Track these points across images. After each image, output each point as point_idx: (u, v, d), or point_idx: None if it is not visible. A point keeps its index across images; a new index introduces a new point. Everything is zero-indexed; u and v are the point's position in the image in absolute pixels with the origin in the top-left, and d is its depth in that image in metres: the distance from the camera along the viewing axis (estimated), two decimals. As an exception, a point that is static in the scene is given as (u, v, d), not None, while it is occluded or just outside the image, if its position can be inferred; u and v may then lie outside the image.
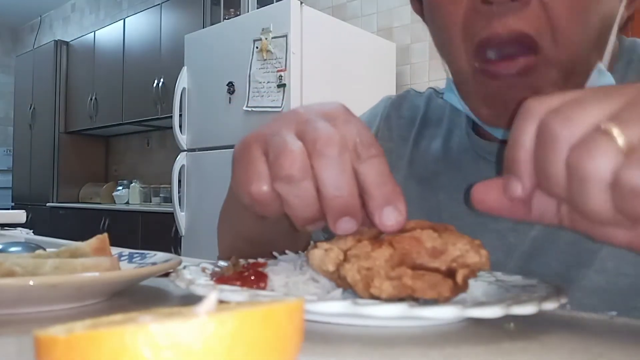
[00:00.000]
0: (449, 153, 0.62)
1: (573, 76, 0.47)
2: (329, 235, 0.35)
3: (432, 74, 2.70)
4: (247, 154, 0.35)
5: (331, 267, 0.32)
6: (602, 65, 0.47)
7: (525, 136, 0.28)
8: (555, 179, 0.27)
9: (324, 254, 0.33)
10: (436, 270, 0.30)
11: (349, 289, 0.34)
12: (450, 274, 0.30)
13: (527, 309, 0.29)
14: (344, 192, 0.32)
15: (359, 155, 0.32)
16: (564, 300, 0.32)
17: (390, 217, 0.32)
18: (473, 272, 0.31)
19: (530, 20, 0.45)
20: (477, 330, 0.31)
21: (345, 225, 0.33)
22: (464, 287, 0.31)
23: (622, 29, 0.53)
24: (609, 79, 0.47)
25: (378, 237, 0.33)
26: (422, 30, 2.70)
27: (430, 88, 0.69)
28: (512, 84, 0.47)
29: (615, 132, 0.24)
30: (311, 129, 0.33)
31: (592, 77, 0.47)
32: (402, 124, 0.67)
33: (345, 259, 0.32)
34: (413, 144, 0.64)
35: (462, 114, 0.62)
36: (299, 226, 0.35)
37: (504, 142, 0.54)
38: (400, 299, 0.31)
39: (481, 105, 0.51)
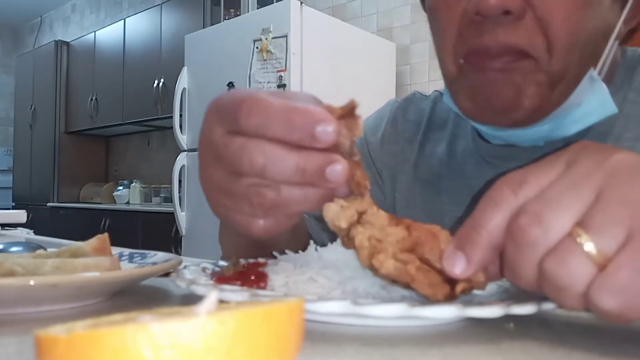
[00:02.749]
0: (453, 157, 0.62)
1: (561, 83, 0.47)
2: (330, 236, 0.35)
3: (432, 73, 2.70)
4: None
5: (344, 224, 0.32)
6: (594, 72, 0.47)
7: (492, 224, 0.28)
8: (526, 279, 0.27)
9: (340, 210, 0.33)
10: (439, 272, 0.30)
11: (350, 287, 0.34)
12: (450, 280, 0.30)
13: (526, 309, 0.29)
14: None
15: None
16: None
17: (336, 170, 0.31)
18: (471, 288, 0.31)
19: (523, 34, 0.45)
20: (477, 330, 0.31)
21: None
22: (456, 298, 0.31)
23: (625, 42, 0.53)
24: (599, 86, 0.47)
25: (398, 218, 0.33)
26: (422, 31, 2.70)
27: (436, 91, 0.70)
28: (496, 79, 0.47)
29: (587, 241, 0.25)
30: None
31: (583, 84, 0.47)
32: (408, 127, 0.67)
33: (359, 221, 0.32)
34: (419, 147, 0.65)
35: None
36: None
37: (509, 146, 0.55)
38: (393, 282, 0.32)
39: (465, 98, 0.51)
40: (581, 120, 0.49)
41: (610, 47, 0.48)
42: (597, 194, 0.26)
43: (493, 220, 0.28)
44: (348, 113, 0.33)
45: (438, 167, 0.62)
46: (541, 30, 0.45)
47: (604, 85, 0.47)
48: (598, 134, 0.51)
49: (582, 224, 0.25)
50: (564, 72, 0.47)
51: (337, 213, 0.33)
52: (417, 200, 0.62)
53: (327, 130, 0.30)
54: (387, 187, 0.66)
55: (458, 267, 0.29)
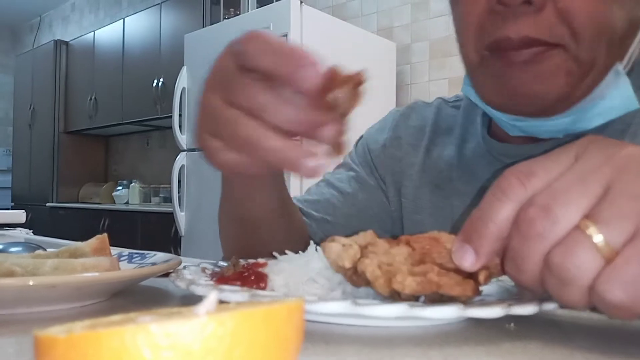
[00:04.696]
0: (463, 160, 0.61)
1: (590, 75, 0.47)
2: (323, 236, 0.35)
3: (432, 73, 2.70)
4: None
5: (348, 264, 0.32)
6: (620, 67, 0.47)
7: (500, 216, 0.28)
8: (529, 273, 0.27)
9: (342, 250, 0.32)
10: (456, 271, 0.30)
11: (350, 288, 0.34)
12: (470, 275, 0.30)
13: (527, 309, 0.29)
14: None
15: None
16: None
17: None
18: (491, 276, 0.31)
19: (544, 27, 0.45)
20: (478, 330, 0.31)
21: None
22: (480, 290, 0.31)
23: None
24: (624, 81, 0.47)
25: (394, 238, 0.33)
26: (422, 30, 2.70)
27: (439, 98, 0.70)
28: (524, 70, 0.47)
29: (595, 233, 0.25)
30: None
31: (608, 77, 0.47)
32: (411, 133, 0.67)
33: (362, 255, 0.32)
34: (425, 152, 0.64)
35: (475, 121, 0.62)
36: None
37: (521, 145, 0.54)
38: (416, 299, 0.31)
39: (490, 88, 0.51)
40: (603, 114, 0.49)
41: (639, 41, 0.48)
42: (605, 188, 0.25)
43: (501, 212, 0.28)
44: (353, 83, 0.33)
45: (447, 170, 0.62)
46: (564, 22, 0.45)
47: (628, 80, 0.47)
48: (615, 131, 0.51)
49: (590, 216, 0.25)
50: (593, 61, 0.46)
51: (339, 253, 0.32)
52: (425, 205, 0.62)
53: (311, 73, 0.31)
54: (391, 193, 0.66)
55: (467, 261, 0.29)
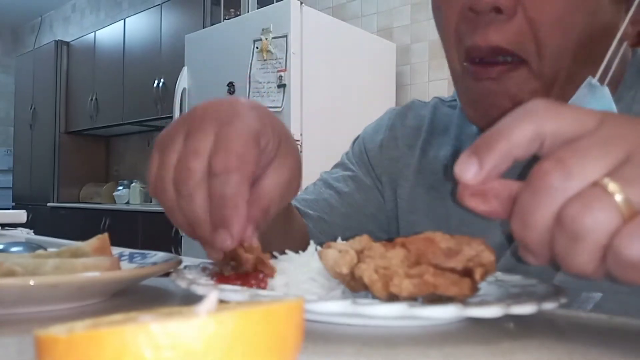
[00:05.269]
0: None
1: (555, 88, 0.48)
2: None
3: (432, 74, 2.70)
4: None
5: (345, 270, 0.32)
6: (593, 80, 0.46)
7: (516, 135, 0.26)
8: (536, 230, 0.26)
9: (339, 256, 0.32)
10: (452, 270, 0.30)
11: (351, 291, 0.34)
12: (466, 273, 0.30)
13: (526, 309, 0.29)
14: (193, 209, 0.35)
15: (212, 171, 0.34)
16: (563, 300, 0.32)
17: (221, 238, 0.34)
18: (487, 272, 0.30)
19: (512, 35, 0.46)
20: (477, 330, 0.31)
21: (220, 236, 0.34)
22: (478, 288, 0.31)
23: (639, 43, 0.52)
24: (602, 92, 0.46)
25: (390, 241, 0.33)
26: (422, 31, 2.70)
27: (436, 98, 0.70)
28: (491, 89, 0.48)
29: (617, 191, 0.23)
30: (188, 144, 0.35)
31: (581, 91, 0.46)
32: (408, 133, 0.67)
33: (359, 260, 0.32)
34: (421, 153, 0.64)
35: None
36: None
37: None
38: (414, 301, 0.31)
39: (465, 104, 0.52)
40: None
41: (615, 49, 0.48)
42: (628, 154, 0.24)
43: (518, 131, 0.26)
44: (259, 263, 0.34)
45: (442, 171, 0.62)
46: (531, 32, 0.45)
47: (606, 90, 0.47)
48: None
49: (612, 175, 0.24)
50: (555, 75, 0.47)
51: (336, 259, 0.32)
52: (420, 206, 0.62)
53: (225, 238, 0.34)
54: (387, 192, 0.66)
55: (469, 172, 0.27)
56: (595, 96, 0.47)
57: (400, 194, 0.64)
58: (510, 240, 0.53)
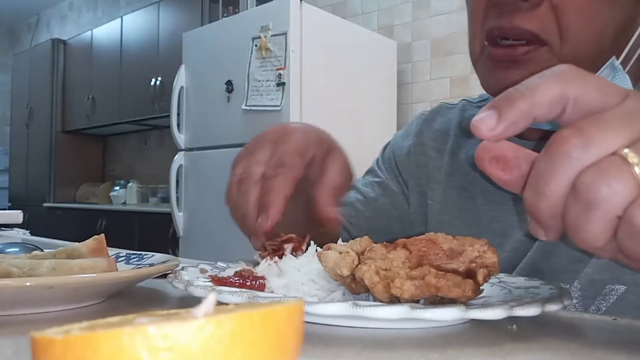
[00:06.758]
0: None
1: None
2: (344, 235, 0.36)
3: (433, 72, 2.70)
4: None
5: (346, 272, 0.32)
6: (616, 61, 0.47)
7: (540, 93, 0.26)
8: (550, 198, 0.25)
9: (340, 258, 0.32)
10: (454, 272, 0.30)
11: (351, 293, 0.33)
12: (469, 274, 0.30)
13: (529, 311, 0.29)
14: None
15: (265, 175, 0.43)
16: (567, 302, 0.31)
17: (261, 220, 0.41)
18: (489, 274, 0.30)
19: (536, 20, 0.46)
20: (480, 331, 0.31)
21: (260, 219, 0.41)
22: (480, 290, 0.31)
23: None
24: (622, 76, 0.47)
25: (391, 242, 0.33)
26: (423, 28, 2.70)
27: (464, 99, 0.71)
28: (510, 71, 0.48)
29: (637, 162, 0.23)
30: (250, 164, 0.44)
31: (604, 71, 0.47)
32: (435, 137, 0.68)
33: (360, 261, 0.32)
34: (450, 156, 0.66)
35: None
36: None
37: (541, 139, 0.55)
38: (416, 302, 0.31)
39: (486, 85, 0.53)
40: None
41: (637, 39, 0.48)
42: None
43: (544, 90, 0.26)
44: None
45: (473, 172, 0.63)
46: (555, 18, 0.46)
47: (626, 76, 0.47)
48: None
49: (632, 146, 0.24)
50: (576, 63, 0.47)
51: (336, 261, 0.32)
52: (452, 206, 0.63)
53: (264, 219, 0.41)
54: (413, 197, 0.68)
55: (486, 125, 0.26)
56: (616, 79, 0.47)
57: (431, 197, 0.66)
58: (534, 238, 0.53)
